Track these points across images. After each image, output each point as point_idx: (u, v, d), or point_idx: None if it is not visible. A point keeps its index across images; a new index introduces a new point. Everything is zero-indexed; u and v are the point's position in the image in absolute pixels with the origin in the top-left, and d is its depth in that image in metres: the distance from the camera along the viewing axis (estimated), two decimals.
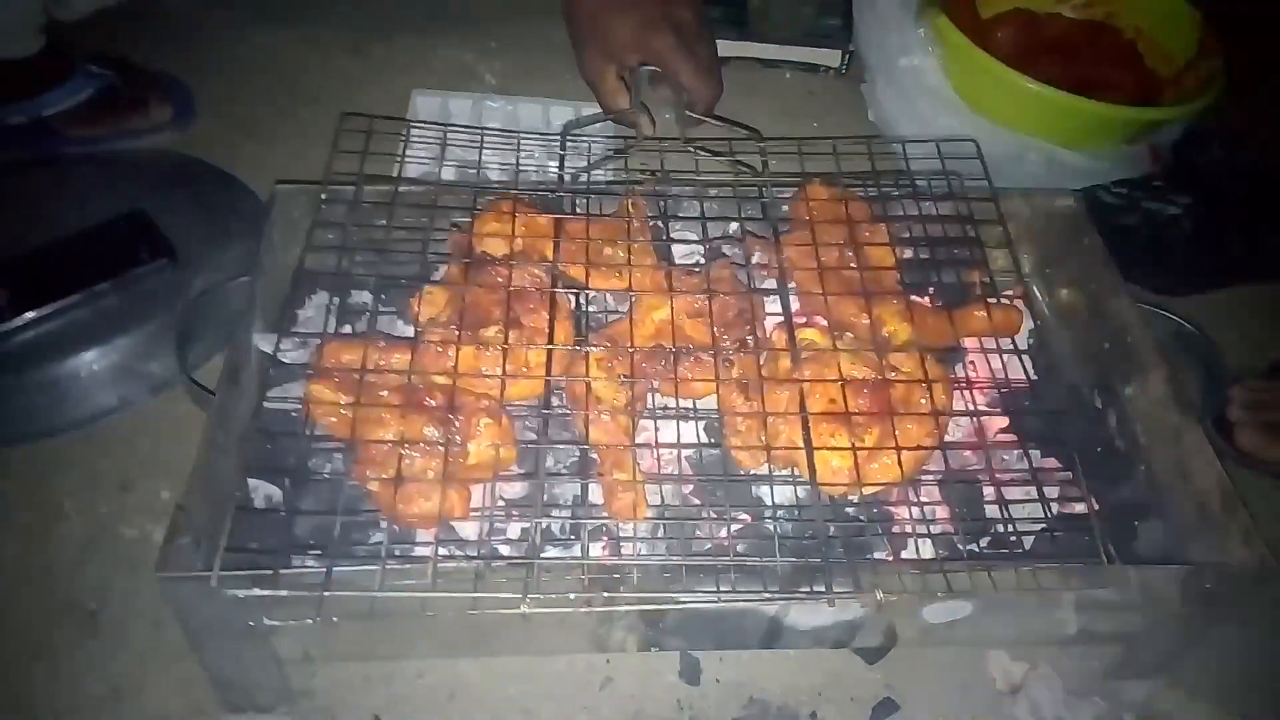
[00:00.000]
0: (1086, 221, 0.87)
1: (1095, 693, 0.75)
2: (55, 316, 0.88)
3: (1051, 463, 0.77)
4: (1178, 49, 1.15)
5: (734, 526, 0.71)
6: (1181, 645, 0.74)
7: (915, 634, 0.70)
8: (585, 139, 0.85)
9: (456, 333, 0.68)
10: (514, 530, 0.70)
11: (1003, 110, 1.04)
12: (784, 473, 0.70)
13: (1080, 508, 0.67)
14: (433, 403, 0.65)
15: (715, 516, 0.71)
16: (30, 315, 0.87)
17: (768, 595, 0.62)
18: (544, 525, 0.69)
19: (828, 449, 0.66)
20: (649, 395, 0.73)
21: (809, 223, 0.78)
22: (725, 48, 1.25)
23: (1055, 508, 0.70)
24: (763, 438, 0.67)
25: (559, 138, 0.85)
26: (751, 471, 0.71)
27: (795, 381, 0.69)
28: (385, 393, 0.66)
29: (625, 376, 0.70)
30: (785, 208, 0.83)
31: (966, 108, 1.06)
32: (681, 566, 0.62)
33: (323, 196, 0.77)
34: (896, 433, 0.67)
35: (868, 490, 0.67)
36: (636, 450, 0.68)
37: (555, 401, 0.72)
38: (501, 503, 0.71)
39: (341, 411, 0.65)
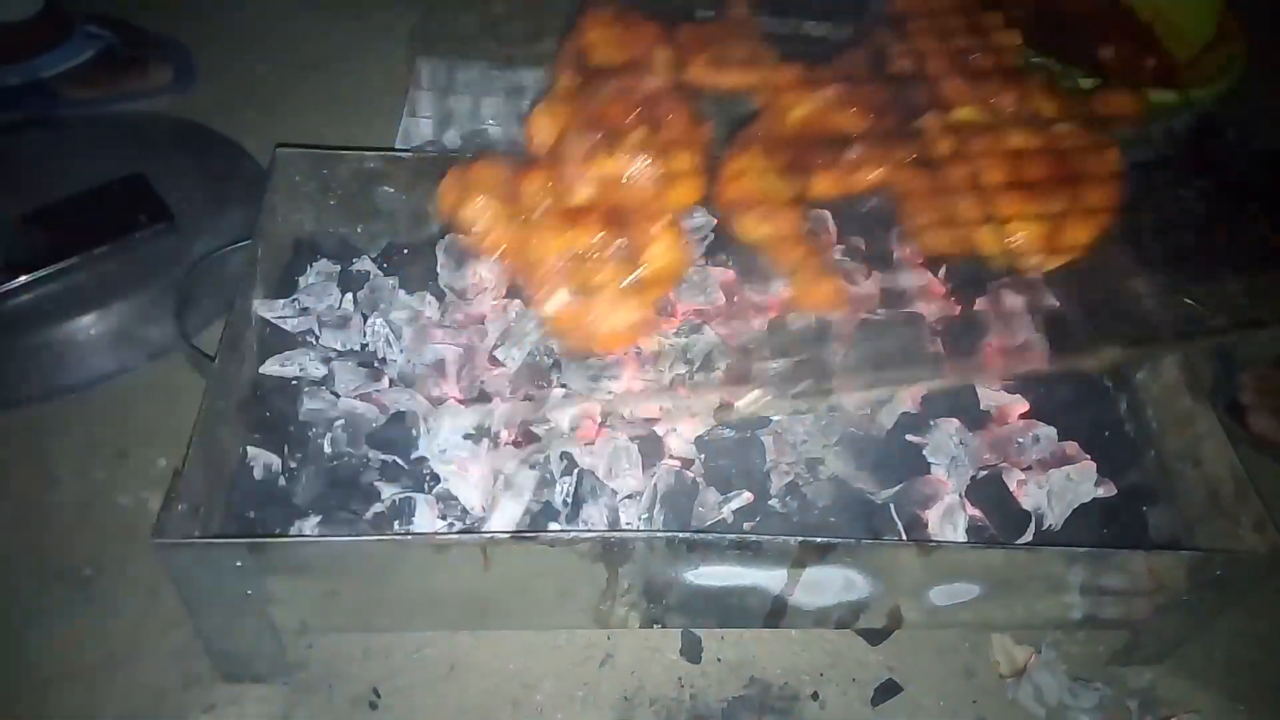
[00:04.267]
0: None
1: (1099, 678, 0.75)
2: (52, 279, 0.87)
3: (1071, 447, 0.76)
4: (1195, 33, 1.13)
5: (738, 504, 0.70)
6: (1187, 632, 0.73)
7: (920, 616, 0.70)
8: None
9: (597, 144, 0.63)
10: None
11: None
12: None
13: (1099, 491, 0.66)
14: (600, 215, 0.61)
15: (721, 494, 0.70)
16: (27, 278, 0.86)
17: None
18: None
19: (1016, 219, 0.64)
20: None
21: (926, 10, 0.75)
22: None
23: (1069, 492, 0.69)
24: (943, 217, 0.66)
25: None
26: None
27: (959, 161, 0.66)
28: (540, 212, 0.61)
29: (784, 170, 0.65)
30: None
31: None
32: (685, 542, 0.61)
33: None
34: (1074, 199, 0.65)
35: (1050, 263, 0.66)
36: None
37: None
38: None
39: (506, 234, 0.61)
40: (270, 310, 0.76)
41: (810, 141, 0.67)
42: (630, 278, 0.60)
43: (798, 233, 0.65)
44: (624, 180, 0.62)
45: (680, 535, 0.61)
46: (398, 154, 0.82)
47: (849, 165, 0.66)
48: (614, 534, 0.65)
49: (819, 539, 0.61)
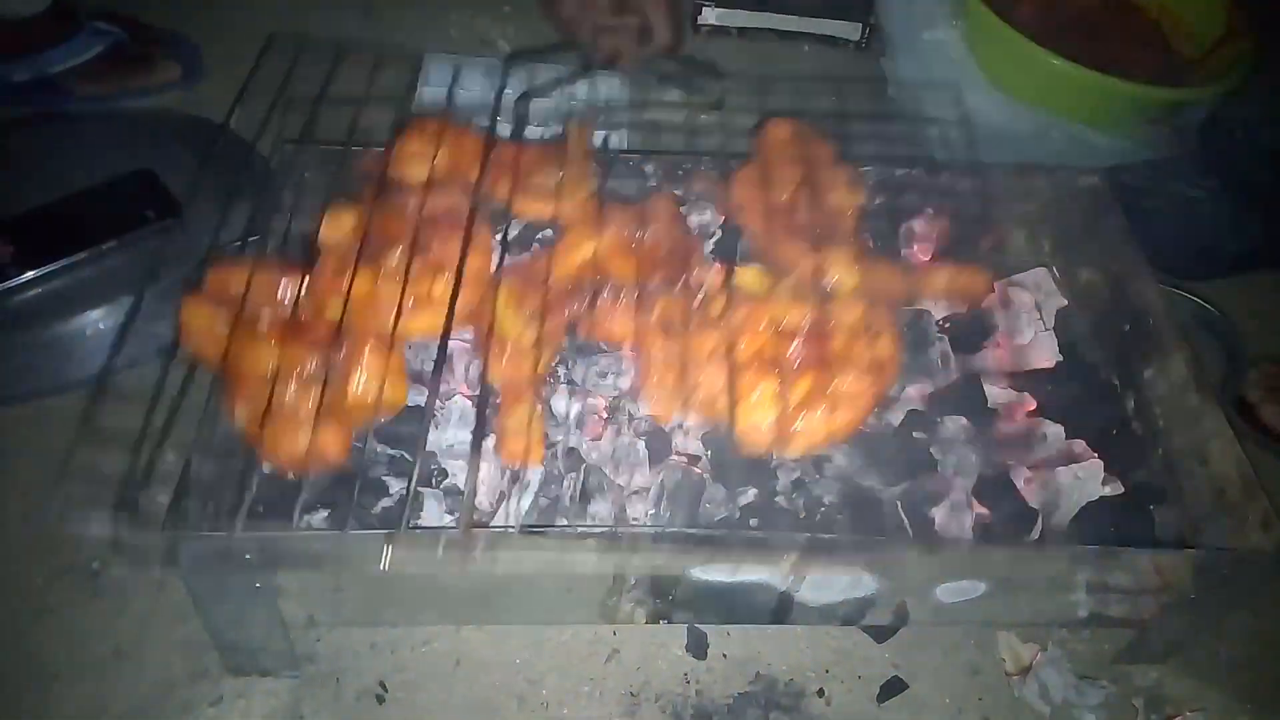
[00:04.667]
0: (1110, 200, 0.86)
1: (1105, 676, 0.75)
2: (61, 274, 0.87)
3: (1079, 445, 0.76)
4: (1203, 30, 1.13)
5: (745, 501, 0.70)
6: (1194, 630, 0.73)
7: (926, 613, 0.70)
8: (531, 72, 0.81)
9: (355, 258, 0.62)
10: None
11: (1026, 87, 1.03)
12: (702, 425, 0.66)
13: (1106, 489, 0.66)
14: (316, 332, 0.60)
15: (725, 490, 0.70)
16: (35, 273, 0.86)
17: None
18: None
19: (751, 401, 0.61)
20: (567, 337, 0.68)
21: (764, 160, 0.72)
22: (743, 18, 1.23)
23: (1076, 490, 0.69)
24: (681, 386, 0.62)
25: (501, 64, 0.80)
26: (668, 425, 0.67)
27: (720, 325, 0.63)
28: (268, 318, 0.60)
29: (535, 313, 0.64)
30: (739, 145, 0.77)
31: (989, 83, 1.04)
32: (691, 538, 0.61)
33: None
34: (833, 386, 0.61)
35: (791, 450, 0.62)
36: (543, 391, 0.64)
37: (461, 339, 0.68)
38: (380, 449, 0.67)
39: (216, 337, 0.59)
40: None
41: (577, 285, 0.65)
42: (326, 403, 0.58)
43: (524, 376, 0.63)
44: (371, 299, 0.61)
45: (687, 531, 0.62)
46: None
47: (598, 316, 0.65)
48: (621, 530, 0.65)
49: (826, 535, 0.62)
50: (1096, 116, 1.02)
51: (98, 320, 0.85)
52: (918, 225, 0.86)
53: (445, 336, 0.62)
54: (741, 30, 1.24)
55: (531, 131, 0.76)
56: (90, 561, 0.74)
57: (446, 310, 0.62)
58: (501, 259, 0.69)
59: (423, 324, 0.64)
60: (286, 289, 0.61)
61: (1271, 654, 0.78)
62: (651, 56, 0.84)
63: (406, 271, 0.62)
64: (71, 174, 0.93)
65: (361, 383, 0.59)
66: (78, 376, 0.84)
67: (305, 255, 0.67)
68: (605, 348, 0.73)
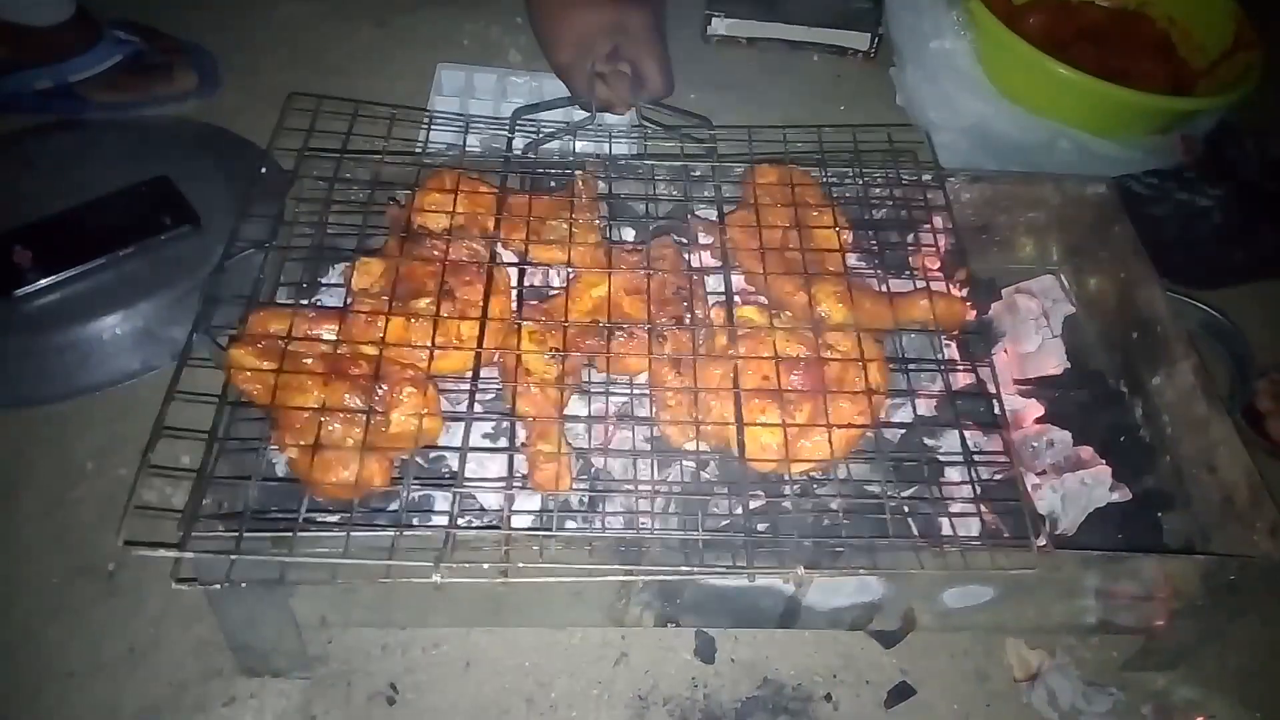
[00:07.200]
0: (1118, 208, 0.86)
1: (1113, 683, 0.75)
2: (79, 280, 0.88)
3: (1087, 452, 0.76)
4: (1212, 40, 1.13)
5: (752, 505, 0.70)
6: (1202, 637, 0.73)
7: (933, 619, 0.70)
8: (536, 122, 0.85)
9: (388, 303, 0.67)
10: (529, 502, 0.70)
11: (1035, 96, 1.03)
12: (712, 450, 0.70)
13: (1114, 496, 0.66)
14: (357, 371, 0.64)
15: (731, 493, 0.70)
16: (53, 278, 0.87)
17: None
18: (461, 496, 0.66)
19: (758, 425, 0.65)
20: (583, 371, 0.72)
21: (754, 203, 0.77)
22: (752, 29, 1.24)
23: (1084, 496, 0.70)
24: (693, 414, 0.66)
25: (508, 120, 0.84)
26: (682, 447, 0.70)
27: (728, 358, 0.68)
28: (309, 360, 0.64)
29: (556, 350, 0.69)
30: (731, 189, 0.82)
31: (997, 93, 1.04)
32: (698, 541, 0.61)
33: (262, 170, 0.76)
34: (828, 410, 0.66)
35: (797, 468, 0.66)
36: (564, 423, 0.67)
37: (488, 375, 0.71)
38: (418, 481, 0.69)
39: (264, 377, 0.63)
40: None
41: (589, 325, 0.70)
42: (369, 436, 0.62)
43: (548, 411, 0.67)
44: (404, 340, 0.66)
45: (694, 535, 0.62)
46: (417, 158, 0.83)
47: (614, 353, 0.69)
48: (629, 533, 0.65)
49: (833, 540, 0.62)
50: (1105, 126, 1.03)
51: (114, 325, 0.86)
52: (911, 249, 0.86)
53: (475, 374, 0.66)
54: (750, 40, 1.25)
55: (539, 180, 0.81)
56: (106, 563, 0.75)
57: (475, 350, 0.66)
58: (520, 302, 0.73)
59: (453, 363, 0.68)
60: (324, 333, 0.66)
61: (1279, 661, 0.78)
62: (644, 102, 0.88)
63: (436, 315, 0.67)
64: (90, 181, 0.95)
65: (402, 417, 0.63)
66: (95, 380, 0.85)
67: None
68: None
